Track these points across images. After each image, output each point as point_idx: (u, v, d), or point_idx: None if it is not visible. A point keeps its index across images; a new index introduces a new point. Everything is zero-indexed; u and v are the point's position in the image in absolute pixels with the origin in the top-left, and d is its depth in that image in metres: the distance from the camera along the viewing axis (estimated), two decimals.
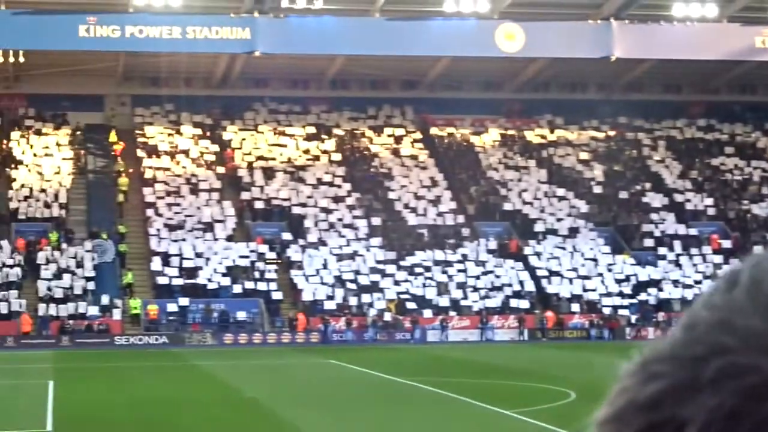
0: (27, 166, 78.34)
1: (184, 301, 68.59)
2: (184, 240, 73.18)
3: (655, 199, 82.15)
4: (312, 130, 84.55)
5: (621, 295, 72.85)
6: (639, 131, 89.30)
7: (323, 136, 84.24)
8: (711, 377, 0.86)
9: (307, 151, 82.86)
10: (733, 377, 0.84)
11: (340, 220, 76.63)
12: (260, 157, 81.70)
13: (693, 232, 78.86)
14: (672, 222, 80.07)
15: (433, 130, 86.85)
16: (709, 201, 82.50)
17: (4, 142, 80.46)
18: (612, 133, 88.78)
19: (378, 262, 73.03)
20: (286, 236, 74.52)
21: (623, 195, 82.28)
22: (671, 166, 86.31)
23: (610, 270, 74.70)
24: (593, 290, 72.89)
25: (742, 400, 0.84)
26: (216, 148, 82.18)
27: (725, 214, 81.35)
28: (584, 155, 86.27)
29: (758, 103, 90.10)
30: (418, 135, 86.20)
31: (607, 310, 71.53)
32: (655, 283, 73.98)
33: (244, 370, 49.20)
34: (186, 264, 71.16)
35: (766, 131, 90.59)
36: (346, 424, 30.93)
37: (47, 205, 75.19)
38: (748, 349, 0.85)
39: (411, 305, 70.19)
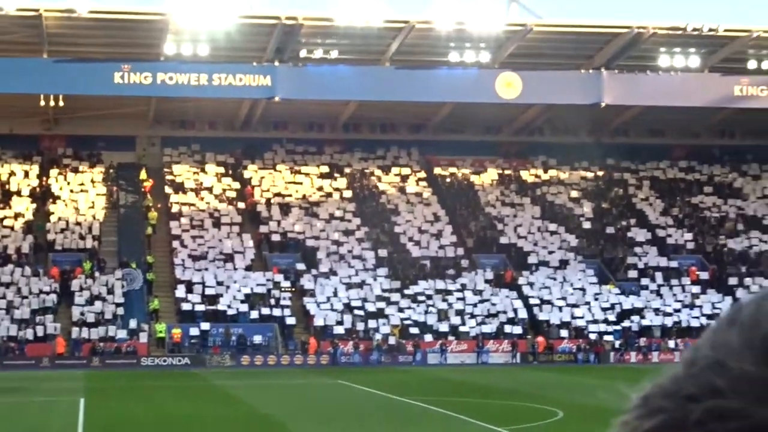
0: (64, 201, 78.61)
1: (205, 325, 68.62)
2: (206, 269, 73.29)
3: (639, 234, 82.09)
4: (325, 169, 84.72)
5: (606, 322, 72.76)
6: (625, 172, 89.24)
7: (336, 175, 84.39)
8: (698, 418, 0.81)
9: (320, 189, 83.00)
10: (719, 420, 0.80)
11: (349, 251, 76.67)
12: (277, 194, 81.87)
13: (673, 264, 78.80)
14: (654, 255, 79.98)
15: (437, 170, 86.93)
16: (689, 236, 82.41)
17: (44, 178, 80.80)
18: (600, 173, 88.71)
19: (384, 290, 73.00)
20: (300, 266, 74.57)
21: (610, 230, 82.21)
22: (654, 204, 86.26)
23: (596, 299, 74.62)
24: (581, 317, 72.80)
25: None
26: (237, 185, 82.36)
27: (703, 248, 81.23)
28: (575, 193, 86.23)
29: (736, 146, 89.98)
30: (423, 174, 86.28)
31: (593, 336, 71.44)
32: (638, 312, 73.89)
33: (260, 390, 49.20)
34: (208, 291, 71.21)
35: (743, 172, 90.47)
36: None
37: (82, 237, 75.43)
38: (737, 393, 0.80)
39: (413, 330, 70.13)
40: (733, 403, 0.78)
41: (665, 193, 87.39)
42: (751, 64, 79.94)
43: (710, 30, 74.41)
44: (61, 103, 76.59)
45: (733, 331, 0.81)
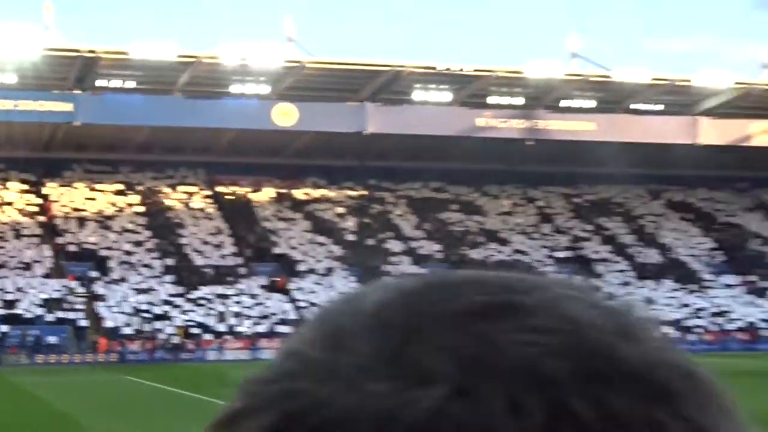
0: None
1: (4, 327, 67.14)
2: (6, 277, 71.89)
3: (396, 246, 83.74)
4: (120, 186, 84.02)
5: None
6: (385, 191, 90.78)
7: (128, 192, 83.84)
8: (270, 398, 0.77)
9: (114, 204, 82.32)
10: (289, 399, 0.76)
11: (139, 260, 76.24)
12: (75, 209, 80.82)
13: (424, 272, 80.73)
14: (408, 264, 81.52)
15: (220, 188, 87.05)
16: (438, 247, 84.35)
17: None
18: (363, 192, 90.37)
19: (169, 295, 72.87)
20: (94, 274, 73.89)
21: (370, 242, 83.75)
22: (409, 220, 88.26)
23: None
24: None
25: (285, 419, 0.76)
26: (38, 200, 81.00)
27: (450, 258, 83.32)
28: (340, 210, 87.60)
29: (479, 170, 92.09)
30: (208, 192, 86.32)
31: None
32: None
33: (54, 386, 48.16)
34: (7, 297, 69.73)
35: (483, 192, 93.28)
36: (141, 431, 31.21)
37: None
38: (306, 376, 0.77)
39: (195, 330, 70.25)
40: (299, 384, 0.76)
41: (418, 210, 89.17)
42: (493, 100, 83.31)
43: (459, 70, 77.29)
44: None
45: (312, 326, 0.81)
